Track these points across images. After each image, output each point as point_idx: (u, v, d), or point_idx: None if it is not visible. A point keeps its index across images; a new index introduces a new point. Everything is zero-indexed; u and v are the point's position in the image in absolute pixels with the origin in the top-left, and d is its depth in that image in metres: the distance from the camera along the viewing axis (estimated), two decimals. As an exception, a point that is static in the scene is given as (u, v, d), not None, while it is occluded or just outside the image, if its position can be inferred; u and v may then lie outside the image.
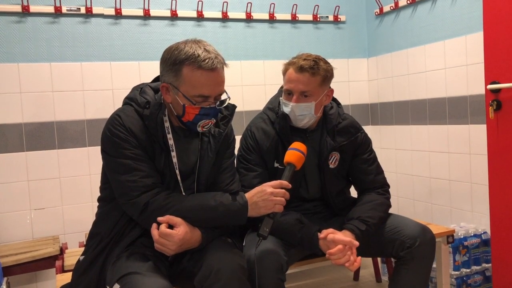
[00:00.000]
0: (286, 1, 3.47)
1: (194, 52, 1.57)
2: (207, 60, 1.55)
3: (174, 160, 1.69)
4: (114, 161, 1.60)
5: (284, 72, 1.94)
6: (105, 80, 3.00)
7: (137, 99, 1.68)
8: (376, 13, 3.58)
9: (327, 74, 1.90)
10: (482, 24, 2.41)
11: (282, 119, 1.93)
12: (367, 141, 2.08)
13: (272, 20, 3.43)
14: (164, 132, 1.65)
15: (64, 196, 2.91)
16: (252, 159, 1.96)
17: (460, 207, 2.97)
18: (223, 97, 1.66)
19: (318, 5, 3.51)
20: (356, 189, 2.13)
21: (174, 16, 3.15)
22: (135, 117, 1.65)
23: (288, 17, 3.47)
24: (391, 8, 3.40)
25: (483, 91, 2.48)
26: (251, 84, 3.38)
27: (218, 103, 1.63)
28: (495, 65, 2.39)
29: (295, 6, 3.45)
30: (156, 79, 1.81)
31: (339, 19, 3.61)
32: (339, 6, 3.59)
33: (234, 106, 1.83)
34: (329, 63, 1.93)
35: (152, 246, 1.57)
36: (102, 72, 3.00)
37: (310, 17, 3.53)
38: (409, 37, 3.30)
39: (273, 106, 2.03)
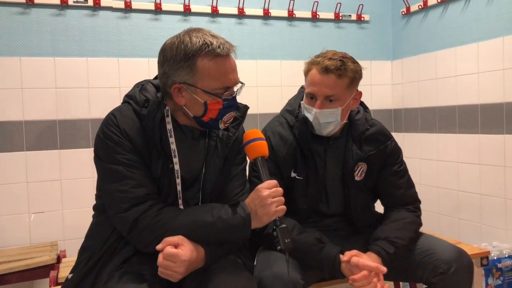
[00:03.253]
0: (306, -2, 3.27)
1: (205, 41, 1.41)
2: (221, 46, 1.41)
3: (176, 167, 1.49)
4: (104, 166, 1.43)
5: (306, 73, 1.73)
6: (112, 78, 2.82)
7: (136, 97, 1.50)
8: (403, 13, 3.35)
9: (356, 76, 1.69)
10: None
11: (303, 124, 1.71)
12: (397, 151, 1.86)
13: (291, 17, 3.22)
14: (163, 135, 1.46)
15: (65, 200, 2.73)
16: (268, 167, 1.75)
17: (492, 224, 2.72)
18: (238, 86, 1.51)
19: (340, 3, 3.30)
20: (382, 204, 1.91)
21: (187, 11, 2.96)
22: (132, 117, 1.47)
23: (308, 15, 3.26)
24: (420, 7, 3.16)
25: None
26: (266, 85, 3.18)
27: (236, 91, 1.49)
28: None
29: (316, 3, 3.24)
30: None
31: (362, 19, 3.39)
32: (363, 5, 3.37)
33: (246, 107, 1.63)
34: (357, 63, 1.71)
35: (149, 263, 1.37)
36: (109, 69, 2.82)
37: (331, 16, 3.32)
38: (439, 38, 3.07)
39: (293, 108, 1.82)
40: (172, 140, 1.49)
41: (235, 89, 1.49)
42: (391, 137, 1.83)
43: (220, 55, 1.40)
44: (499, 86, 2.63)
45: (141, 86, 1.57)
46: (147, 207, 1.40)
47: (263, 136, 1.54)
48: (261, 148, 1.52)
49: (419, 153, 3.26)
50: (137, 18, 2.89)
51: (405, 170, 1.87)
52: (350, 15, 3.36)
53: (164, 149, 1.47)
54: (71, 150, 2.75)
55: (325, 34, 3.33)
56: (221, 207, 1.45)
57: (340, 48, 3.29)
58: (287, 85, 3.21)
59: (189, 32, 1.46)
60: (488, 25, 2.70)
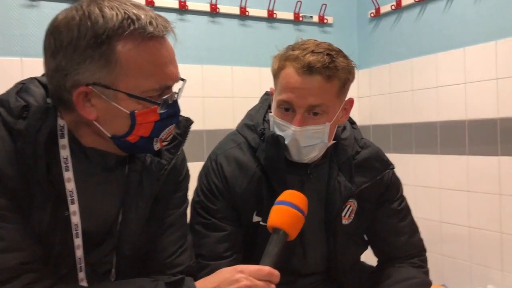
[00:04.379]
0: (262, -7, 2.75)
1: (127, 14, 0.91)
2: (153, 23, 0.92)
3: (74, 218, 0.93)
4: None
5: (277, 72, 1.20)
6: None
7: (9, 102, 0.91)
8: (372, 15, 2.91)
9: (349, 77, 1.18)
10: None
11: (272, 145, 1.17)
12: (397, 183, 1.36)
13: (243, 16, 2.70)
14: (53, 165, 0.91)
15: None
16: (217, 209, 1.20)
17: (485, 263, 2.28)
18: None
19: (300, 1, 2.81)
20: (377, 255, 1.39)
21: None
22: (1, 135, 0.89)
23: (264, 13, 2.75)
24: (392, 8, 2.73)
25: None
26: (215, 95, 2.61)
27: (178, 93, 1.02)
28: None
29: (272, 0, 2.73)
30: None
31: (325, 21, 2.92)
32: (325, 5, 2.90)
33: (188, 121, 1.11)
34: (348, 57, 1.20)
35: None
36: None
37: (290, 16, 2.82)
38: (415, 44, 2.64)
39: (255, 123, 1.28)
40: (69, 174, 0.96)
41: (175, 89, 1.01)
42: (390, 163, 1.33)
43: (153, 37, 0.92)
44: (491, 98, 2.21)
45: (21, 86, 0.99)
46: (25, 283, 0.86)
47: (306, 209, 1.07)
48: (295, 222, 1.04)
49: (392, 176, 2.79)
50: (48, 7, 2.26)
51: (408, 209, 1.38)
52: (311, 16, 2.89)
53: (55, 188, 0.93)
54: None
55: (283, 36, 2.82)
56: (152, 285, 0.92)
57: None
58: (239, 96, 2.66)
59: (97, 1, 0.91)
60: (477, 27, 2.29)
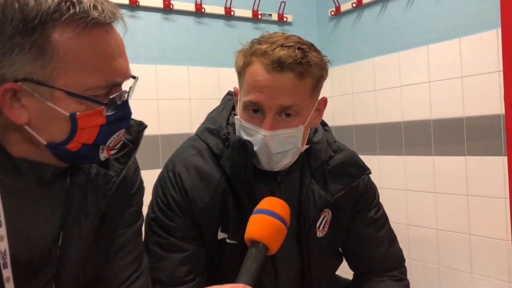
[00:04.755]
0: (218, -11, 2.61)
1: None
2: (98, 7, 0.78)
3: (1, 245, 0.78)
4: None
5: (243, 69, 1.07)
6: None
7: None
8: (332, 13, 2.82)
9: (322, 74, 1.07)
10: (484, 21, 1.70)
11: (239, 152, 1.03)
12: (372, 189, 1.26)
13: (199, 12, 2.54)
14: None
15: None
16: (176, 227, 1.05)
17: (454, 266, 2.23)
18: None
19: (259, -2, 2.69)
20: (353, 268, 1.28)
21: None
22: None
23: (221, 10, 2.60)
24: (353, 5, 2.65)
25: (482, 111, 2.00)
26: (170, 98, 2.44)
27: (129, 92, 0.87)
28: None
29: (230, -4, 2.60)
30: None
31: (285, 19, 2.81)
32: (285, 3, 2.79)
33: (141, 125, 0.96)
34: (320, 52, 1.08)
35: None
36: None
37: (249, 14, 2.69)
38: (377, 42, 2.57)
39: (217, 127, 1.13)
40: None
41: (125, 87, 0.87)
42: (366, 168, 1.21)
43: (98, 24, 0.77)
44: (457, 97, 2.16)
45: None
46: None
47: (289, 219, 0.96)
48: (277, 234, 0.93)
49: (357, 179, 2.71)
50: None
51: (385, 217, 1.27)
52: (270, 14, 2.77)
53: None
54: None
55: (241, 35, 2.64)
56: None
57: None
58: (197, 98, 2.50)
59: None
60: (440, 24, 2.24)
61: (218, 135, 1.11)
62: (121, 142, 0.87)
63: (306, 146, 1.11)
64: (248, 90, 1.03)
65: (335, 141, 1.23)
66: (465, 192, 2.15)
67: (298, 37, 1.07)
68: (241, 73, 1.07)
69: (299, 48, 1.00)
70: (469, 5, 2.10)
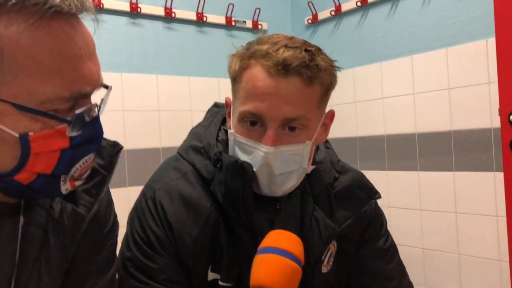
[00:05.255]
0: (189, -7, 2.44)
1: None
2: None
3: None
4: None
5: (238, 74, 0.90)
6: None
7: None
8: (309, 21, 2.70)
9: (332, 80, 0.91)
10: (472, 31, 1.61)
11: (236, 176, 0.86)
12: (380, 215, 1.11)
13: (169, 17, 2.36)
14: None
15: None
16: (158, 269, 0.87)
17: (442, 287, 2.11)
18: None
19: (233, 4, 2.53)
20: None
21: None
22: None
23: (193, 16, 2.43)
24: (332, 13, 2.54)
25: (471, 125, 1.95)
26: (137, 109, 2.24)
27: (100, 106, 0.69)
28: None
29: (201, 0, 2.42)
30: None
31: (260, 27, 2.67)
32: (259, 9, 2.65)
33: (115, 147, 0.79)
34: (328, 56, 0.93)
35: None
36: None
37: (222, 20, 2.53)
38: (358, 52, 2.46)
39: (205, 145, 0.95)
40: None
41: (94, 99, 0.68)
42: (376, 191, 1.06)
43: (59, 13, 0.59)
44: (444, 109, 2.06)
45: None
46: None
47: (302, 256, 0.80)
48: (293, 279, 0.78)
49: (336, 195, 2.58)
50: None
51: (394, 246, 1.12)
52: (244, 21, 2.62)
53: None
54: None
55: (213, 43, 2.52)
56: None
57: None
58: (166, 109, 2.31)
59: None
60: (425, 34, 2.15)
61: (207, 155, 0.93)
62: (89, 170, 0.68)
63: (312, 167, 0.94)
64: (245, 99, 0.86)
65: (339, 160, 1.08)
66: (454, 210, 2.05)
67: (303, 39, 0.91)
68: (236, 78, 0.90)
69: (306, 50, 0.84)
70: (456, 14, 2.02)
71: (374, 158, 2.38)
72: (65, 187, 0.65)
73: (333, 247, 0.99)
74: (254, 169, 0.85)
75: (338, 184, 1.01)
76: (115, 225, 0.82)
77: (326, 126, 0.97)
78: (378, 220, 1.08)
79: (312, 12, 2.65)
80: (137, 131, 2.22)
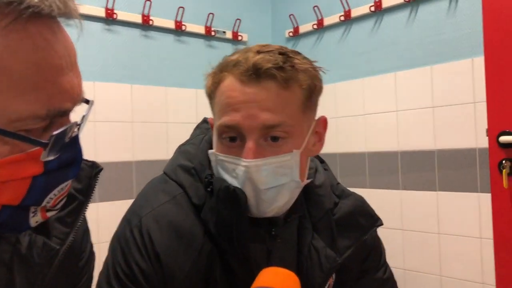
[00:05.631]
0: (168, 0, 2.34)
1: None
2: None
3: None
4: None
5: (213, 90, 0.82)
6: None
7: None
8: (290, 34, 2.64)
9: (314, 82, 0.82)
10: (458, 49, 1.59)
11: (227, 203, 0.77)
12: (379, 244, 1.04)
13: (146, 25, 2.26)
14: None
15: None
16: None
17: (424, 310, 2.07)
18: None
19: (213, 14, 2.45)
20: None
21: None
22: None
23: (171, 24, 2.33)
24: (314, 27, 2.49)
25: (456, 144, 1.92)
26: (109, 120, 2.12)
27: (80, 125, 0.59)
28: (508, 107, 1.58)
29: (181, 9, 2.33)
30: None
31: (240, 38, 2.59)
32: (240, 20, 2.58)
33: (93, 168, 0.72)
34: (308, 59, 0.86)
35: None
36: None
37: (201, 29, 2.44)
38: (339, 67, 2.41)
39: (196, 164, 0.86)
40: None
41: (73, 117, 0.58)
42: (378, 218, 0.99)
43: (37, 15, 0.49)
44: (428, 128, 2.03)
45: None
46: None
47: None
48: None
49: (315, 212, 2.51)
50: None
51: (393, 277, 1.05)
52: (224, 32, 2.54)
53: None
54: None
55: (192, 53, 2.43)
56: None
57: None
58: (140, 121, 2.19)
59: None
60: (410, 50, 2.12)
61: (198, 177, 0.84)
62: (65, 198, 0.58)
63: (307, 181, 0.85)
64: (220, 112, 0.78)
65: (338, 183, 1.00)
66: (437, 230, 2.01)
67: (280, 46, 0.83)
68: (211, 95, 0.82)
69: (280, 53, 0.77)
70: (442, 32, 2.00)
71: (354, 175, 2.33)
72: (35, 219, 0.55)
73: (331, 279, 0.91)
74: (238, 185, 0.76)
75: (339, 210, 0.93)
76: (91, 256, 0.72)
77: (319, 135, 0.88)
78: (378, 249, 1.01)
79: (293, 25, 2.60)
80: (109, 143, 2.10)
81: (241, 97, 0.76)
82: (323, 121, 0.90)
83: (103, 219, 1.93)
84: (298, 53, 0.83)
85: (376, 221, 0.96)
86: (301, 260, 0.87)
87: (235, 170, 0.77)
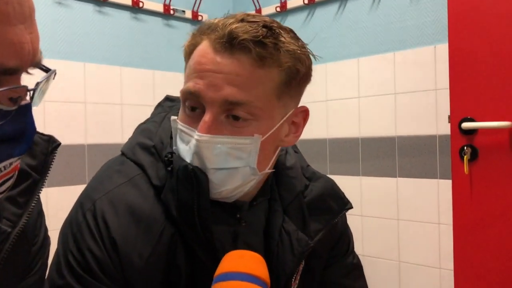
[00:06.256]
0: (124, -25, 2.21)
1: None
2: None
3: None
4: None
5: (188, 52, 0.75)
6: None
7: None
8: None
9: (296, 66, 0.75)
10: (421, 36, 1.59)
11: (187, 184, 0.70)
12: (348, 228, 1.00)
13: (101, 1, 2.13)
14: None
15: None
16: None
17: (382, 295, 2.08)
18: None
19: (172, -8, 2.35)
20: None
21: None
22: None
23: (127, 0, 2.21)
24: (277, 10, 2.44)
25: (416, 131, 1.93)
26: (60, 100, 1.99)
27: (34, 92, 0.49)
28: (470, 94, 1.59)
29: (138, -15, 2.22)
30: None
31: (199, 18, 2.50)
32: (200, 0, 2.48)
33: (50, 143, 0.62)
34: (301, 40, 0.80)
35: None
36: None
37: (160, 7, 2.33)
38: (302, 51, 2.36)
39: (156, 143, 0.79)
40: None
41: (25, 80, 0.49)
42: (348, 201, 0.95)
43: None
44: (389, 115, 2.03)
45: None
46: None
47: (267, 277, 0.65)
48: None
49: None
50: None
51: (360, 263, 1.02)
52: (184, 11, 2.44)
53: None
54: None
55: (149, 32, 2.32)
56: None
57: (170, 55, 2.35)
58: (93, 102, 2.07)
59: None
60: (373, 36, 2.10)
61: (159, 156, 0.77)
62: (13, 178, 0.50)
63: (269, 171, 0.80)
64: (187, 77, 0.72)
65: (308, 165, 0.96)
66: (396, 216, 2.02)
67: (272, 19, 0.76)
68: (186, 57, 0.75)
69: (265, 26, 0.70)
70: (405, 19, 1.99)
71: (315, 161, 2.30)
72: None
73: (300, 265, 0.87)
74: (187, 159, 0.70)
75: (310, 193, 0.88)
76: (46, 241, 0.64)
77: (297, 126, 0.82)
78: (345, 234, 0.98)
79: (255, 7, 2.53)
80: (60, 125, 1.97)
81: (209, 65, 0.69)
82: (304, 111, 0.83)
83: (53, 206, 1.81)
84: (288, 31, 0.76)
85: (346, 204, 0.92)
86: (271, 244, 0.82)
87: (190, 142, 0.71)
